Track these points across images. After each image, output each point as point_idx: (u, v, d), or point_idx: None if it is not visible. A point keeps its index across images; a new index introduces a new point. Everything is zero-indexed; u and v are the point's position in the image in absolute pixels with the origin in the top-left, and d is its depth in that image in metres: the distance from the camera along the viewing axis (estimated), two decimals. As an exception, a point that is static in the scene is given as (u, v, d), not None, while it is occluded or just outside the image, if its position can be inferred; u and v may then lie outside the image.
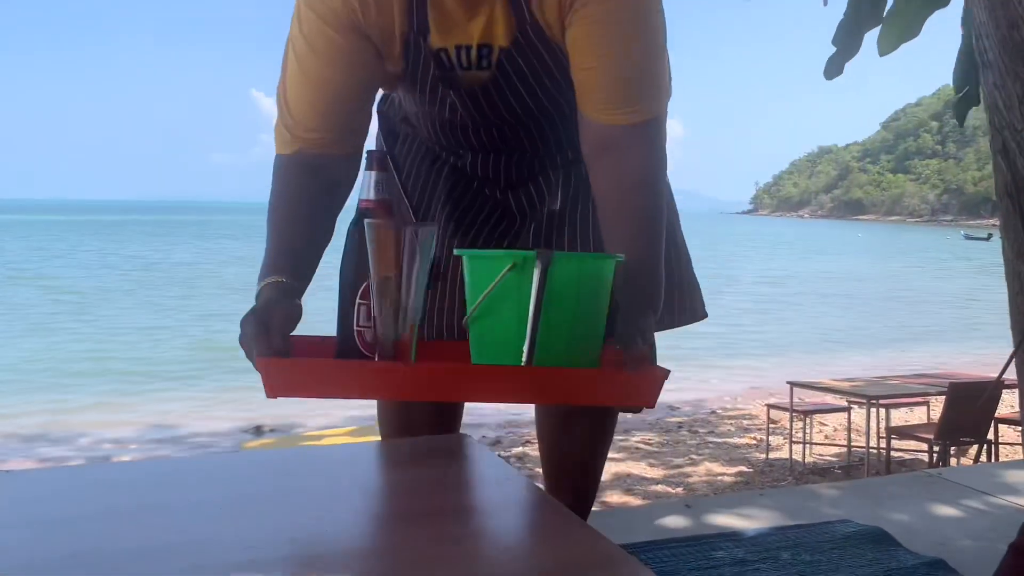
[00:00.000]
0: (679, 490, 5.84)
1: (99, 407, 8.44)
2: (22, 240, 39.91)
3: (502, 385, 0.98)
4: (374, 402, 1.53)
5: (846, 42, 3.38)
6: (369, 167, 1.08)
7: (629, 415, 1.59)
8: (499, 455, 1.28)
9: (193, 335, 12.65)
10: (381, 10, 1.15)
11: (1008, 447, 6.32)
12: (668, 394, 9.36)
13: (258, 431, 7.56)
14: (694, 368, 10.97)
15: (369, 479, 1.15)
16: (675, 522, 2.00)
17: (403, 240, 0.94)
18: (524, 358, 0.97)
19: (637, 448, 7.17)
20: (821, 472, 6.44)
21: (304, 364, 0.98)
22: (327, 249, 1.18)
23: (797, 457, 6.56)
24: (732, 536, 1.85)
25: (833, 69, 3.33)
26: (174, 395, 9.08)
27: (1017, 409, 6.60)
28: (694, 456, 6.90)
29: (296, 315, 1.01)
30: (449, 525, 0.98)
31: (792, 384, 6.68)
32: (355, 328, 1.00)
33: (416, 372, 0.97)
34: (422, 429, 1.43)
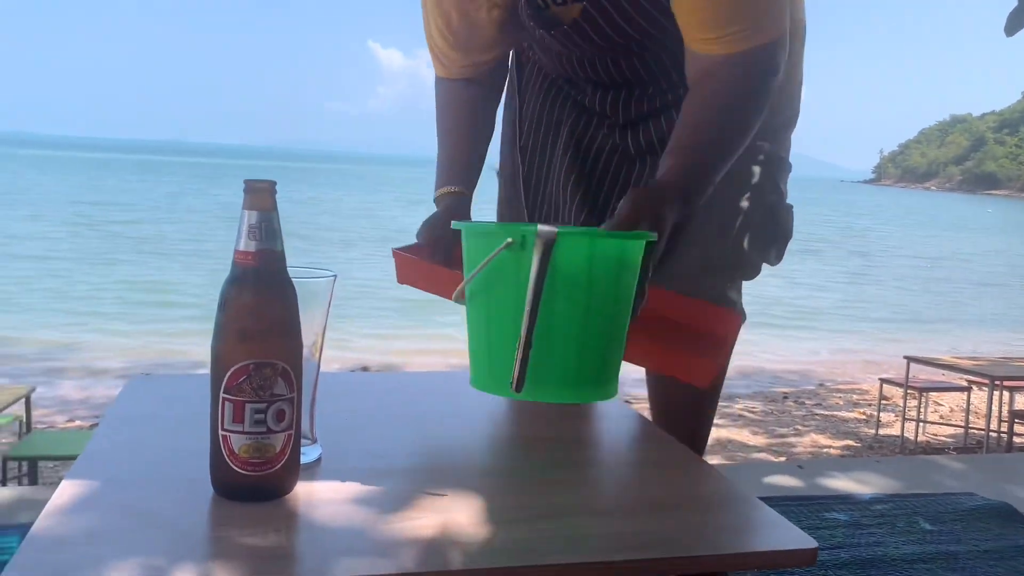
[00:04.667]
0: (782, 459, 5.72)
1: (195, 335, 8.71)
2: (138, 178, 41.68)
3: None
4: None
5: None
6: (246, 204, 0.75)
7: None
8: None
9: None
10: None
11: None
12: (774, 363, 9.17)
13: (364, 371, 7.79)
14: (804, 338, 10.67)
15: (490, 405, 1.16)
16: (786, 481, 1.96)
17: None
18: (518, 355, 0.81)
19: (740, 415, 7.04)
20: (934, 452, 6.19)
21: (423, 265, 1.12)
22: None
23: (909, 435, 6.31)
24: (847, 499, 1.80)
25: (1015, 24, 3.06)
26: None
27: None
28: (799, 427, 6.73)
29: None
30: (569, 452, 0.98)
31: (909, 359, 6.40)
32: (220, 431, 0.76)
33: None
34: None
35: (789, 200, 1.46)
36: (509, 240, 0.81)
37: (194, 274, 12.16)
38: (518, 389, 0.82)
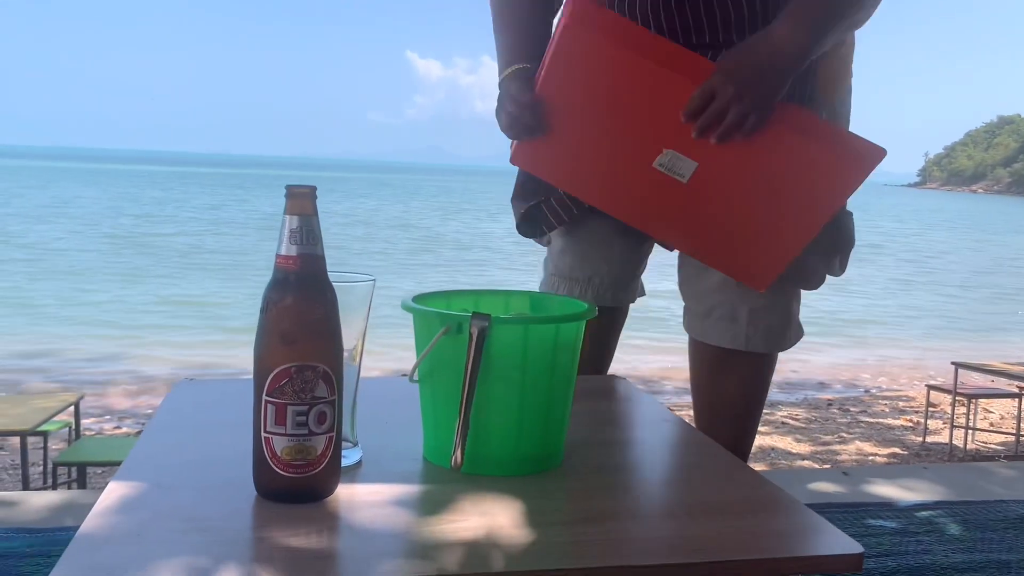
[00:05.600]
0: (827, 466, 5.63)
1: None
2: (181, 190, 42.27)
3: None
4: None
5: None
6: (287, 209, 0.76)
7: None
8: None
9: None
10: None
11: None
12: (818, 371, 9.03)
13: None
14: (849, 345, 10.50)
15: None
16: (830, 488, 1.92)
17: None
18: (457, 437, 0.83)
19: (783, 423, 6.95)
20: (984, 460, 6.04)
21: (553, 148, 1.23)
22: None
23: (958, 442, 6.18)
24: (893, 506, 1.77)
25: None
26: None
27: None
28: (844, 434, 6.62)
29: None
30: (611, 455, 0.98)
31: (957, 365, 6.27)
32: (262, 434, 0.77)
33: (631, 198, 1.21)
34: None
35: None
36: (446, 327, 0.84)
37: (235, 284, 12.33)
38: (458, 468, 0.84)
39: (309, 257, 0.76)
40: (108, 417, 6.37)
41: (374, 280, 0.88)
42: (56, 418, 4.28)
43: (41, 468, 4.49)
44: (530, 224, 1.46)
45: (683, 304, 1.48)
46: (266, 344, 0.76)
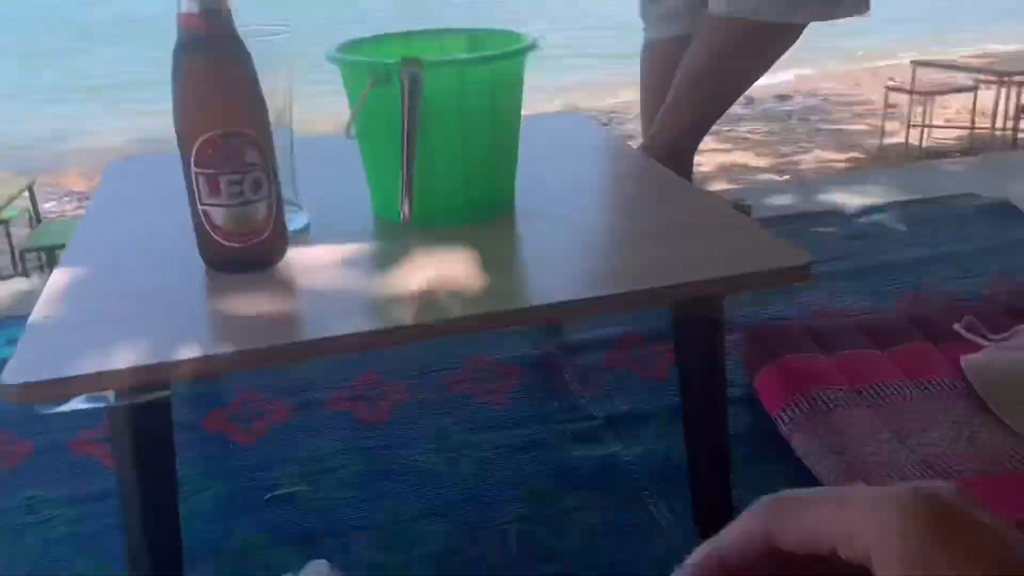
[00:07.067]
0: (787, 178, 5.74)
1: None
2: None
3: None
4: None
5: None
6: None
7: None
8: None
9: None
10: None
11: None
12: (779, 85, 8.93)
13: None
14: (806, 52, 10.33)
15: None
16: (782, 200, 1.96)
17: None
18: (402, 191, 0.80)
19: (744, 138, 6.99)
20: (939, 156, 6.18)
21: None
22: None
23: (914, 141, 6.28)
24: (843, 211, 1.81)
25: None
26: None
27: None
28: (804, 144, 6.71)
29: None
30: (566, 195, 0.97)
31: (915, 63, 6.22)
32: (199, 207, 0.74)
33: None
34: None
35: None
36: (373, 79, 0.78)
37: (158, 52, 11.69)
38: (408, 222, 0.81)
39: (214, 13, 0.70)
40: (67, 199, 6.28)
41: (289, 28, 0.81)
42: (12, 204, 4.21)
43: (9, 256, 4.49)
44: None
45: None
46: (184, 115, 0.71)
